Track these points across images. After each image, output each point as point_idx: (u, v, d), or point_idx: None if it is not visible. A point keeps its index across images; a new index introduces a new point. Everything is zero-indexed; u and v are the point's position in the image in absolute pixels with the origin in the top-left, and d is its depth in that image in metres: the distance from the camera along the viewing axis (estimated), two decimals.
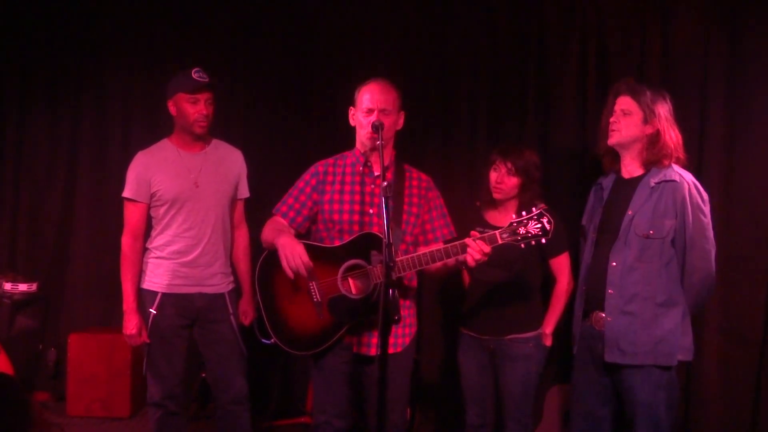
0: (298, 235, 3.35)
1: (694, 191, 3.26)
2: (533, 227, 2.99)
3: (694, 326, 3.43)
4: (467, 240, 3.02)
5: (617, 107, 3.37)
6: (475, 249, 3.00)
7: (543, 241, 3.02)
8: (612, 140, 3.38)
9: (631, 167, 3.40)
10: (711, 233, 3.30)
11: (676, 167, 3.31)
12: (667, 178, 3.27)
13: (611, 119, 3.38)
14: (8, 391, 1.73)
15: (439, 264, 3.11)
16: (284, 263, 3.11)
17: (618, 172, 3.46)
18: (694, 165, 4.06)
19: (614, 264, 3.30)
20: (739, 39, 4.14)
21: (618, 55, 4.39)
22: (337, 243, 3.24)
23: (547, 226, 2.99)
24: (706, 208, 3.29)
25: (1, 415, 1.70)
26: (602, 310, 3.33)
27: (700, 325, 4.05)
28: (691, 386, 4.16)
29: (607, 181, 3.50)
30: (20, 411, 1.71)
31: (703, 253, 3.26)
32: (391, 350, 3.21)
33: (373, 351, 3.23)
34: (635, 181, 3.35)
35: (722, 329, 4.11)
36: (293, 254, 3.10)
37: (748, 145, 4.13)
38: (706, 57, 4.19)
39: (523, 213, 3.02)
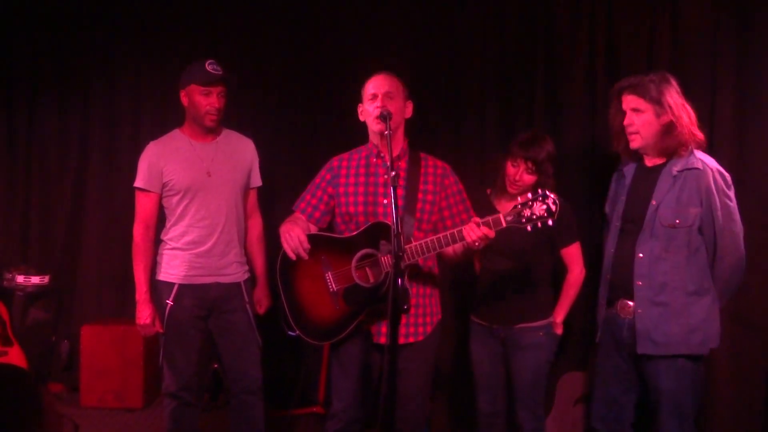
0: (320, 230, 3.41)
1: (718, 177, 3.23)
2: (539, 209, 2.90)
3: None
4: (467, 225, 2.99)
5: (626, 106, 3.33)
6: (472, 230, 2.95)
7: (549, 222, 2.91)
8: (635, 145, 3.35)
9: (652, 157, 3.38)
10: (738, 216, 3.28)
11: (698, 154, 3.28)
12: (690, 166, 3.23)
13: (625, 122, 3.34)
14: (19, 383, 1.75)
15: (449, 249, 3.13)
16: (285, 246, 3.22)
17: (640, 159, 3.43)
18: (705, 148, 4.06)
19: (641, 255, 3.28)
20: (749, 25, 4.11)
21: (627, 43, 4.36)
22: (354, 233, 3.27)
23: (553, 207, 2.89)
24: (731, 192, 3.26)
25: (13, 407, 1.72)
26: (629, 299, 3.33)
27: None
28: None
29: (629, 168, 3.47)
30: (31, 403, 1.73)
31: (733, 237, 3.25)
32: (411, 339, 3.25)
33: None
34: (657, 169, 3.33)
35: (734, 316, 4.08)
36: (291, 235, 3.20)
37: (758, 132, 4.10)
38: (715, 44, 4.16)
39: (528, 195, 2.94)
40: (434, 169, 3.37)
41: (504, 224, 2.97)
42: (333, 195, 3.38)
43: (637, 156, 3.44)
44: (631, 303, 3.33)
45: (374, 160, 3.33)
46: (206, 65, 3.62)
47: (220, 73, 3.63)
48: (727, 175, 3.28)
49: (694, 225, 3.23)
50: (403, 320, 3.24)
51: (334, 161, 3.44)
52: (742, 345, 4.12)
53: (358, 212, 3.28)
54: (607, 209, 3.62)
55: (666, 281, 3.25)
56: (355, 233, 3.24)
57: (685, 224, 3.22)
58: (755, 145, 4.12)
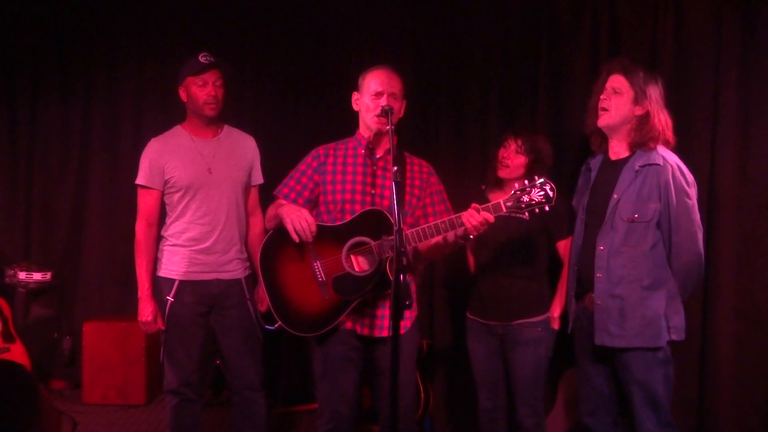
0: None
1: (677, 174, 3.26)
2: (536, 195, 2.97)
3: (709, 306, 3.40)
4: (466, 211, 3.01)
5: (608, 85, 3.37)
6: (473, 215, 2.98)
7: (546, 208, 3.00)
8: (602, 122, 3.38)
9: (618, 149, 3.40)
10: (697, 215, 3.30)
11: (661, 150, 3.31)
12: (651, 162, 3.27)
13: (601, 96, 3.37)
14: (18, 380, 1.74)
15: (439, 238, 3.14)
16: (289, 227, 3.15)
17: (606, 152, 3.47)
18: (707, 146, 4.05)
19: (601, 248, 3.31)
20: (754, 17, 4.08)
21: (630, 37, 4.34)
22: (339, 223, 3.25)
23: (550, 194, 2.97)
24: (692, 191, 3.29)
25: (11, 403, 1.72)
26: (593, 292, 3.35)
27: (714, 305, 4.03)
28: (705, 367, 4.14)
29: (595, 162, 3.52)
30: (30, 399, 1.73)
31: (689, 235, 3.27)
32: (386, 333, 3.24)
33: (377, 332, 3.25)
34: (621, 164, 3.36)
35: (737, 310, 4.07)
36: (298, 217, 3.14)
37: (762, 125, 4.08)
38: (720, 36, 4.13)
39: (526, 182, 3.01)
40: (419, 167, 3.41)
41: (504, 210, 3.01)
42: (319, 183, 3.35)
43: (603, 144, 3.47)
44: (594, 298, 3.35)
45: (362, 151, 3.33)
46: (199, 57, 3.65)
47: (213, 60, 3.65)
48: (688, 173, 3.31)
49: (653, 220, 3.26)
50: (386, 312, 3.24)
51: (320, 149, 3.42)
52: (745, 342, 4.10)
53: (345, 200, 3.27)
54: (574, 202, 3.66)
55: (623, 274, 3.28)
56: (345, 222, 3.23)
57: (643, 219, 3.25)
58: (759, 142, 4.09)
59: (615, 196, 3.30)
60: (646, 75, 3.33)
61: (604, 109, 3.35)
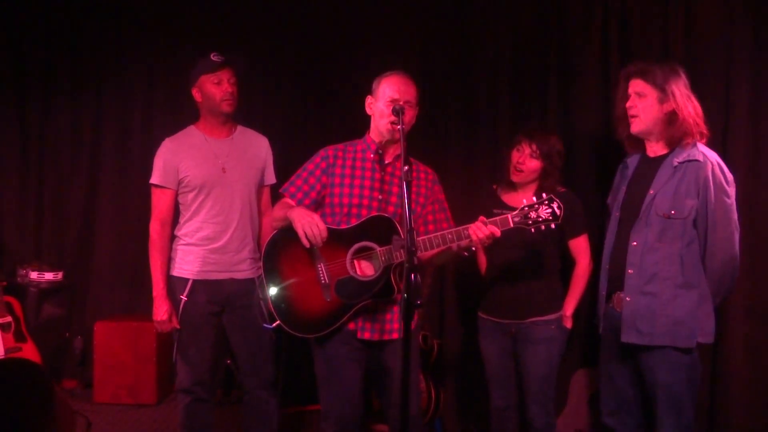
0: None
1: (717, 172, 3.21)
2: (544, 212, 3.06)
3: (720, 306, 3.39)
4: (473, 224, 3.05)
5: (631, 90, 3.35)
6: (480, 228, 3.03)
7: (552, 226, 3.08)
8: (634, 128, 3.36)
9: (656, 147, 3.38)
10: (735, 215, 3.25)
11: (701, 147, 3.28)
12: (691, 158, 3.23)
13: (627, 104, 3.35)
14: (32, 378, 1.75)
15: (443, 248, 3.16)
16: (300, 232, 3.12)
17: (644, 151, 3.44)
18: (718, 143, 4.03)
19: (634, 243, 3.29)
20: (765, 16, 4.07)
21: (640, 33, 4.33)
22: (344, 226, 3.25)
23: (558, 212, 3.05)
24: (731, 190, 3.24)
25: (25, 401, 1.72)
26: (622, 291, 3.32)
27: (726, 306, 4.00)
28: (716, 368, 4.13)
29: (632, 160, 3.49)
30: (45, 398, 1.73)
31: (726, 234, 3.22)
32: (395, 335, 3.26)
33: (377, 336, 3.26)
34: (659, 160, 3.33)
35: (748, 310, 4.07)
36: (310, 223, 3.11)
37: None
38: (730, 35, 4.12)
39: (534, 198, 3.08)
40: (425, 174, 3.42)
41: (511, 224, 3.08)
42: (326, 184, 3.33)
43: (639, 146, 3.45)
44: (623, 295, 3.32)
45: (371, 155, 3.32)
46: (211, 56, 3.68)
47: (224, 58, 3.68)
48: (728, 172, 3.27)
49: (690, 217, 3.22)
50: (387, 317, 3.25)
51: (329, 150, 3.39)
52: (756, 341, 4.10)
53: (352, 204, 3.26)
54: (609, 200, 3.64)
55: (656, 271, 3.24)
56: (351, 225, 3.23)
57: (680, 216, 3.21)
58: None
59: (651, 191, 3.27)
60: (664, 71, 3.29)
61: (634, 116, 3.33)
